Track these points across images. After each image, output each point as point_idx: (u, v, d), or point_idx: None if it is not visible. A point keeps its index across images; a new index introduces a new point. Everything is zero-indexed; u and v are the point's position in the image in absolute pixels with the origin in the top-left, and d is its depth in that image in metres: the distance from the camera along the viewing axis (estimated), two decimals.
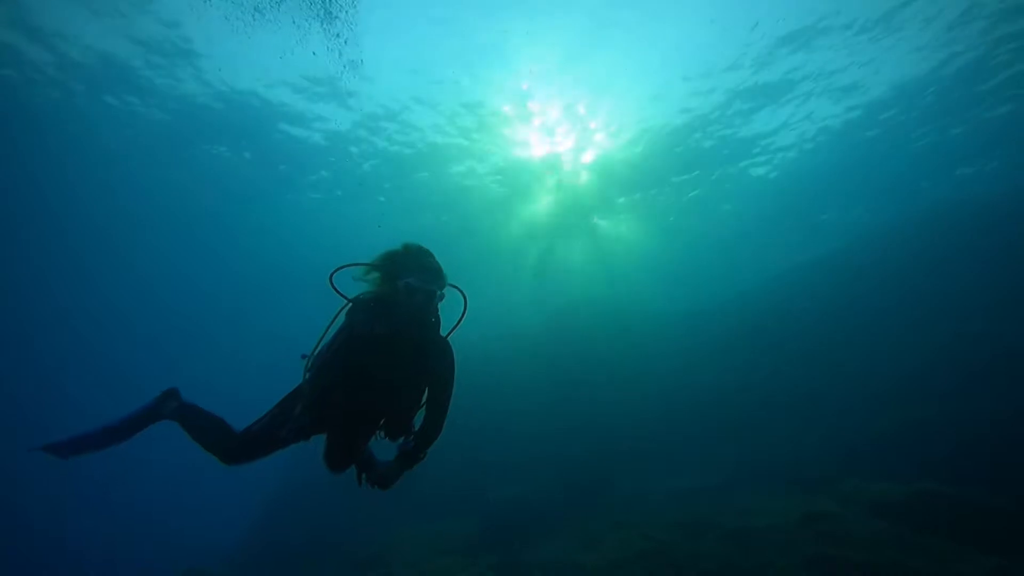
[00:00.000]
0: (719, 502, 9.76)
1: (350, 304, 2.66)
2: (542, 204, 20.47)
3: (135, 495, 41.48)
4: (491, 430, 14.63)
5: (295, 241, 23.61)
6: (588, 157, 17.23)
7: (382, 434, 2.76)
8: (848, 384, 11.41)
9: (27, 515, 35.12)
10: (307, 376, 2.76)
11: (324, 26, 10.33)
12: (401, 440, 2.79)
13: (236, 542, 14.80)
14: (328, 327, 2.71)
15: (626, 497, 11.49)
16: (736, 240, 26.06)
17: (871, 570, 6.63)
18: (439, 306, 2.73)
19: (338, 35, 10.65)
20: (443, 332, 2.81)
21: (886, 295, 12.83)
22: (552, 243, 24.31)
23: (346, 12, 10.13)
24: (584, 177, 18.52)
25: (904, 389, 10.58)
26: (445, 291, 2.69)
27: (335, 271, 2.64)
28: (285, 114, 14.57)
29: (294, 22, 10.16)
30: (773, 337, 13.40)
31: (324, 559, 10.32)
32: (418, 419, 2.81)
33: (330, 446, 2.66)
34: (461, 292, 2.78)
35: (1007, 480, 8.14)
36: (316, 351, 2.82)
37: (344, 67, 11.90)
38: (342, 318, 2.68)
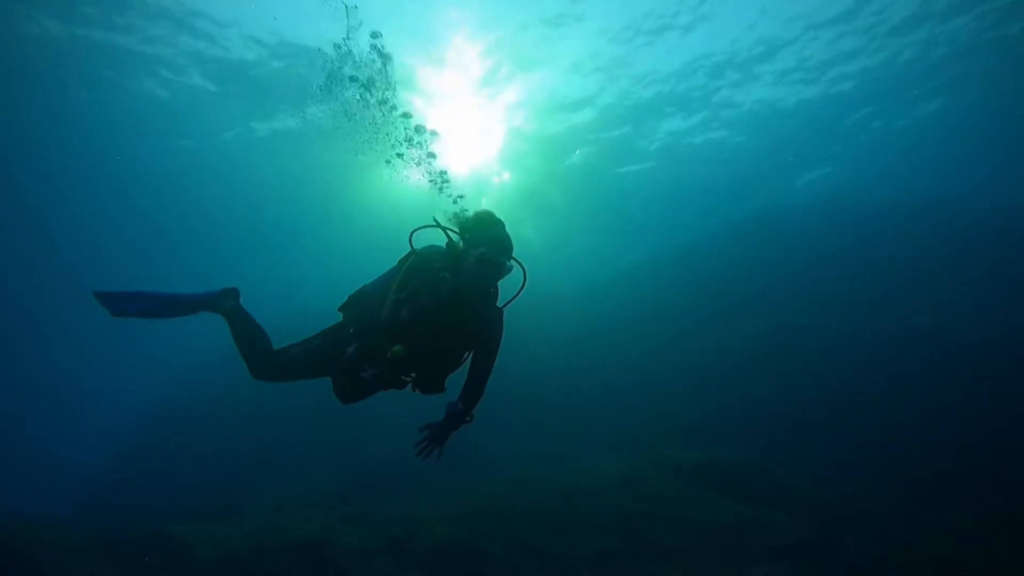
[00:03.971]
0: (559, 465, 11.03)
1: (415, 257, 2.73)
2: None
3: None
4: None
5: None
6: None
7: (412, 388, 2.82)
8: (674, 369, 13.33)
9: None
10: (353, 316, 2.86)
11: None
12: (435, 397, 2.88)
13: (76, 493, 14.20)
14: (391, 275, 2.81)
15: (485, 460, 12.53)
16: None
17: (658, 517, 8.08)
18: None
19: None
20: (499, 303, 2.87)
21: (714, 294, 14.99)
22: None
23: None
24: None
25: (716, 373, 12.58)
26: (511, 264, 2.71)
27: (415, 230, 2.74)
28: None
29: None
30: (622, 324, 15.16)
31: (174, 512, 10.30)
32: (450, 381, 2.89)
33: (350, 382, 2.79)
34: (521, 267, 2.77)
35: (782, 447, 10.13)
36: (363, 295, 2.91)
37: None
38: (401, 269, 2.77)
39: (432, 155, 3.64)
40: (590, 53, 14.23)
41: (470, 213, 2.80)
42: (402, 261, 2.82)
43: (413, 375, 2.77)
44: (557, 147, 19.32)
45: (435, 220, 2.80)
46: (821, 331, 12.43)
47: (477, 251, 2.59)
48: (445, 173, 3.49)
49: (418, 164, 3.64)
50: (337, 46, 4.39)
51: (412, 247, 2.77)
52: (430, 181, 3.45)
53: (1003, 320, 11.19)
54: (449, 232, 2.76)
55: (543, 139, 18.53)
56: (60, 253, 27.95)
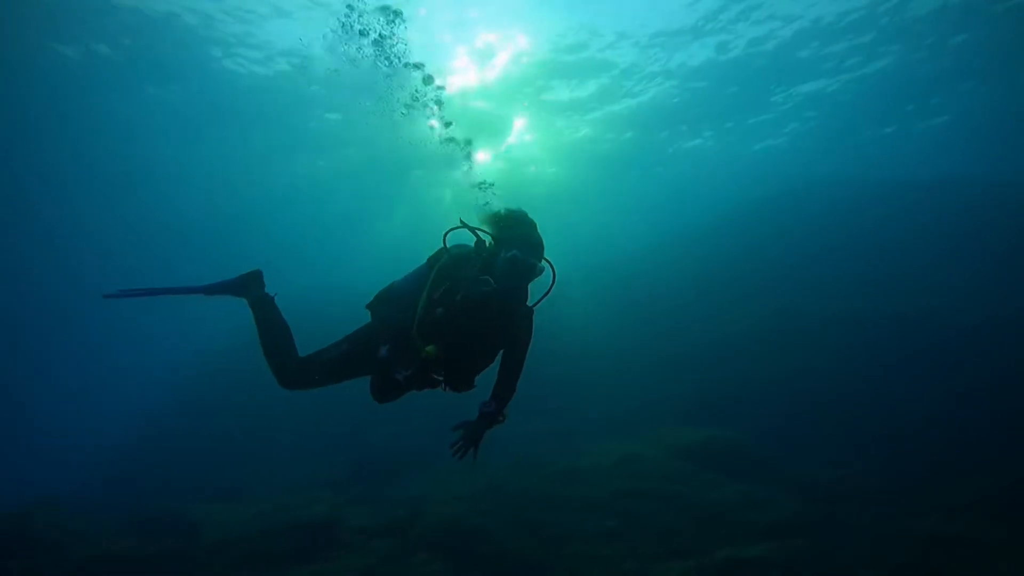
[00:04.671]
0: (560, 445, 11.19)
1: (448, 257, 2.70)
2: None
3: None
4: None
5: None
6: None
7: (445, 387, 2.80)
8: (677, 351, 13.41)
9: None
10: (382, 315, 2.84)
11: None
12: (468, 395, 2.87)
13: (87, 477, 14.69)
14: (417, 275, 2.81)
15: (491, 441, 12.69)
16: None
17: (654, 497, 8.21)
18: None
19: None
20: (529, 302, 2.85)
21: (718, 277, 15.04)
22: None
23: None
24: None
25: (719, 356, 12.63)
26: (543, 265, 2.70)
27: (449, 231, 2.73)
28: None
29: None
30: (627, 306, 15.25)
31: (186, 494, 10.60)
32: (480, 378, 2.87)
33: (385, 383, 2.75)
34: (552, 267, 2.76)
35: (783, 428, 10.20)
36: (391, 295, 2.88)
37: None
38: (431, 269, 2.74)
39: (439, 101, 3.96)
40: (599, 49, 14.48)
41: (502, 211, 2.75)
42: (432, 260, 2.80)
43: (444, 374, 2.74)
44: (570, 140, 19.78)
45: (461, 221, 2.77)
46: (824, 314, 12.42)
47: (509, 253, 2.57)
48: (451, 124, 3.72)
49: (428, 107, 3.99)
50: (350, 6, 4.69)
51: (445, 246, 2.75)
52: (433, 128, 3.77)
53: (1007, 303, 11.09)
54: (479, 232, 2.74)
55: (557, 134, 19.16)
56: (75, 245, 28.38)
